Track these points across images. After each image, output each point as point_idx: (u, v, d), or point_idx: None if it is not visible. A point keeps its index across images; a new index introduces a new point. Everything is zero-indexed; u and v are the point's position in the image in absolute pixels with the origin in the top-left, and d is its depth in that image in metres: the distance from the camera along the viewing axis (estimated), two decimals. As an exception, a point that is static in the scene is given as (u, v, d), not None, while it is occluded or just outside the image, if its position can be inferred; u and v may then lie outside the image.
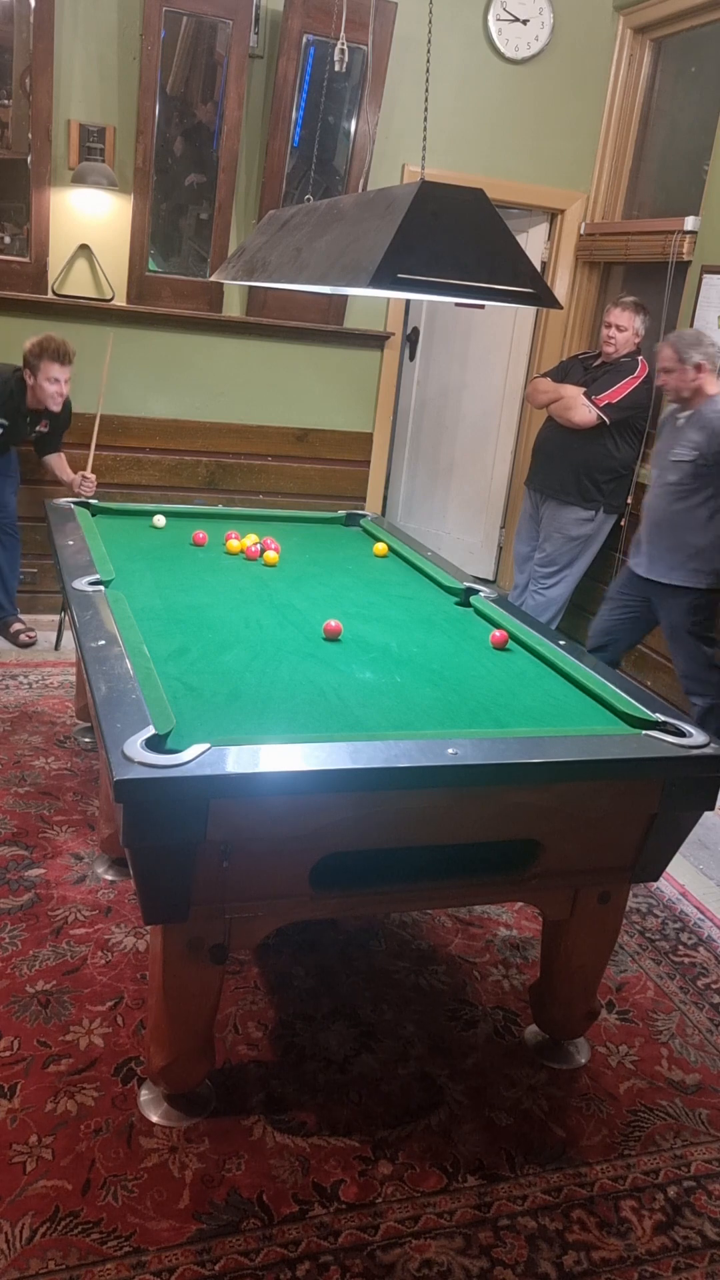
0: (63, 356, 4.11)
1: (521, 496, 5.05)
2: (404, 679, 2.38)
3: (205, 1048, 2.12)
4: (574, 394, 4.49)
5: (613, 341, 4.47)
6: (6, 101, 4.31)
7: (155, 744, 1.82)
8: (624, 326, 4.45)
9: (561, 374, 4.73)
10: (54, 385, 4.14)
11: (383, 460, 5.43)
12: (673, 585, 3.77)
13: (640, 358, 4.50)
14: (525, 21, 4.90)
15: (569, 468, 4.58)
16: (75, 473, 4.47)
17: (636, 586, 3.93)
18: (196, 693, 2.17)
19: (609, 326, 4.48)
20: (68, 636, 4.47)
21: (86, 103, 4.42)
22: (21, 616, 4.65)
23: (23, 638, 4.56)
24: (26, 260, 4.48)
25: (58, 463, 4.53)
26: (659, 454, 3.86)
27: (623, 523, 4.72)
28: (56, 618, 4.61)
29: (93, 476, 4.44)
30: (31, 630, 4.60)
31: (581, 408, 4.44)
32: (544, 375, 4.83)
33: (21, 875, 2.91)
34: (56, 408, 4.24)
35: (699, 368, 3.61)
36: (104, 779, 2.87)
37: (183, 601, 2.79)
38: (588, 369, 4.63)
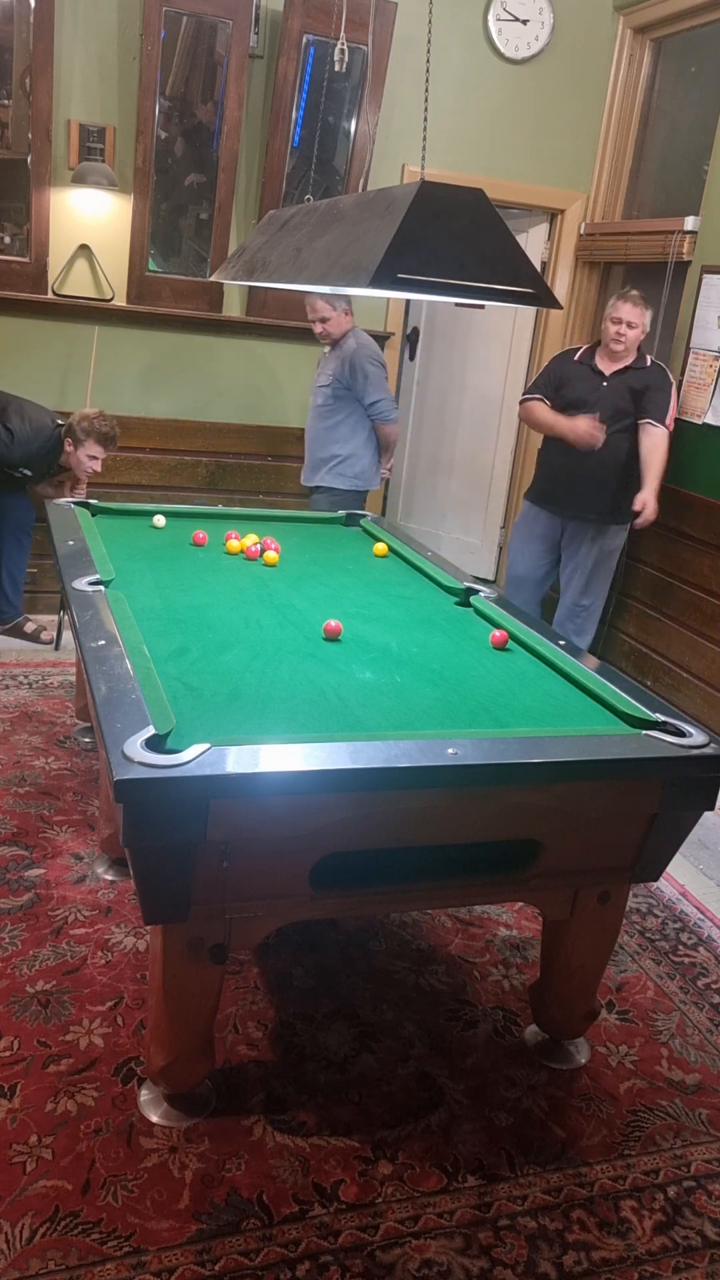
0: (109, 443, 4.29)
1: (521, 496, 4.83)
2: (404, 679, 2.38)
3: (205, 1048, 2.12)
4: (591, 429, 4.14)
5: (623, 340, 4.12)
6: (6, 101, 4.31)
7: (155, 744, 1.81)
8: (635, 324, 4.10)
9: (555, 382, 4.33)
10: (93, 463, 4.30)
11: (383, 460, 5.42)
12: (324, 486, 4.51)
13: (654, 359, 4.25)
14: (525, 21, 4.90)
15: (600, 485, 4.24)
16: None
17: (310, 493, 4.66)
18: (196, 693, 2.17)
19: (619, 323, 4.10)
20: (68, 636, 4.47)
21: (86, 103, 4.42)
22: (28, 615, 4.66)
23: (44, 636, 4.60)
24: (26, 260, 4.48)
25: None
26: (313, 383, 4.54)
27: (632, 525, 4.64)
28: (56, 618, 4.62)
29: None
30: (46, 627, 4.63)
31: (665, 442, 4.16)
32: (534, 393, 4.40)
33: (21, 875, 2.91)
34: (83, 479, 4.40)
35: (346, 312, 4.29)
36: (104, 779, 2.87)
37: (183, 601, 2.79)
38: (604, 377, 4.22)
